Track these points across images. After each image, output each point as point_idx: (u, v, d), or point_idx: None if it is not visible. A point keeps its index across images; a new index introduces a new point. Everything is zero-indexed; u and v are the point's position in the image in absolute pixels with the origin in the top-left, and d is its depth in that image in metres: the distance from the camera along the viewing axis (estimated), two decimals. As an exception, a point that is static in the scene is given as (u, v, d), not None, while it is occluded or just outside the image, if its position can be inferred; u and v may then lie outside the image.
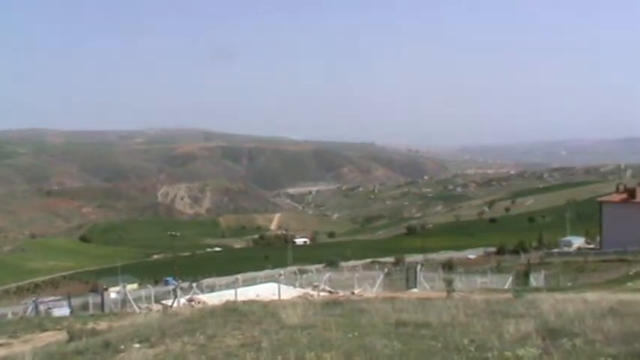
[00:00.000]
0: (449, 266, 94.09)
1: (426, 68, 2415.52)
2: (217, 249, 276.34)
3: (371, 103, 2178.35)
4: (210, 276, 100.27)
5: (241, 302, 20.27)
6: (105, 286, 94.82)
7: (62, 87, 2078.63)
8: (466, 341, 10.33)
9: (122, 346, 13.18)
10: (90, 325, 19.71)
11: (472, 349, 9.74)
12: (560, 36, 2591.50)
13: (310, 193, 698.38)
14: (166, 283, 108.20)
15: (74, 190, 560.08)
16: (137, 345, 13.22)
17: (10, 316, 60.46)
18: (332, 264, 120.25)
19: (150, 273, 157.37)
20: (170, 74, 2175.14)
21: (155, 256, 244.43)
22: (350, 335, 11.56)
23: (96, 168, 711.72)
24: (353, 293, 38.04)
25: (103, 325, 21.03)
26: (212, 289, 57.23)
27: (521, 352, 9.06)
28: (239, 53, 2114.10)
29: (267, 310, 16.17)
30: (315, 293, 38.70)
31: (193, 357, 10.91)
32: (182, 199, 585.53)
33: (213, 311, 17.41)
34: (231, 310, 17.09)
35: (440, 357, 9.26)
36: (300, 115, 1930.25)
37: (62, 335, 19.11)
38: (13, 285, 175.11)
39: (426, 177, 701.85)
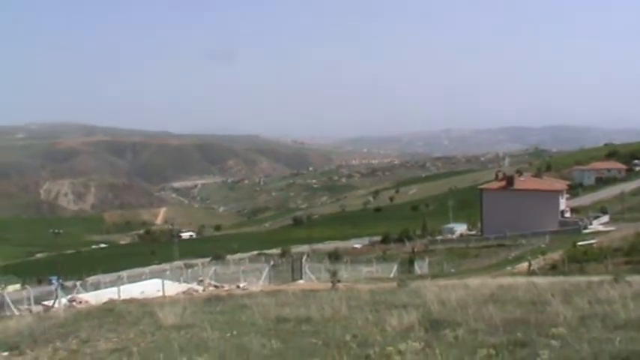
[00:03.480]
0: (335, 256, 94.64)
1: (310, 61, 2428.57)
2: (103, 245, 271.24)
3: (255, 95, 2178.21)
4: (95, 274, 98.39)
5: (120, 302, 19.59)
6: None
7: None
8: (348, 337, 10.07)
9: None
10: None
11: (354, 345, 9.47)
12: (436, 28, 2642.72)
13: (196, 186, 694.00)
14: (51, 282, 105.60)
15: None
16: (5, 353, 12.49)
17: None
18: (218, 257, 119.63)
19: (33, 273, 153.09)
20: (50, 68, 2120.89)
21: (39, 255, 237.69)
22: (228, 334, 11.18)
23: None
24: (238, 287, 37.76)
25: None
26: (97, 287, 55.98)
27: (403, 346, 8.83)
28: (123, 47, 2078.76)
29: (145, 309, 15.60)
30: (200, 288, 38.25)
31: None
32: (66, 195, 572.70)
33: (89, 313, 16.74)
34: (108, 310, 16.48)
35: (320, 356, 8.94)
36: (183, 108, 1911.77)
37: None
38: None
39: (311, 168, 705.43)
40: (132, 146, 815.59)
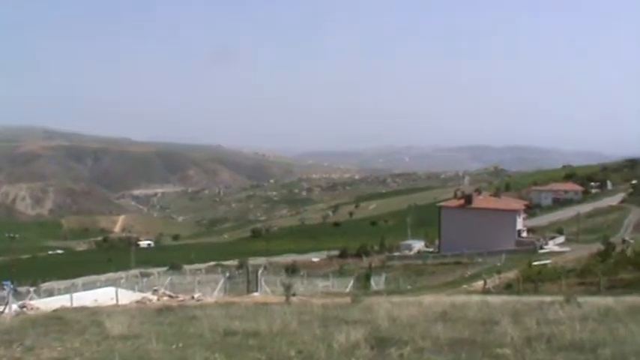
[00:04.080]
0: (292, 269, 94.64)
1: (271, 73, 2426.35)
2: (59, 251, 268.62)
3: (218, 105, 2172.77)
4: (50, 280, 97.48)
5: (69, 310, 19.38)
6: None
7: None
8: (293, 352, 10.02)
9: None
10: None
11: (297, 361, 9.44)
12: (399, 45, 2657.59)
13: (156, 195, 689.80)
14: (4, 287, 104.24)
15: None
16: None
17: None
18: (175, 267, 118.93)
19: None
20: (10, 69, 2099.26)
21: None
22: (174, 346, 11.07)
23: None
24: (193, 297, 37.62)
25: None
26: (51, 293, 55.61)
27: (347, 364, 8.81)
28: (80, 53, 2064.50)
29: (94, 318, 15.44)
30: (154, 298, 38.11)
31: None
32: (23, 199, 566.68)
33: (36, 320, 16.55)
34: (55, 318, 16.30)
35: (261, 371, 8.89)
36: (144, 116, 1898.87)
37: None
38: None
39: (271, 180, 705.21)
40: (92, 152, 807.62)
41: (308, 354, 9.89)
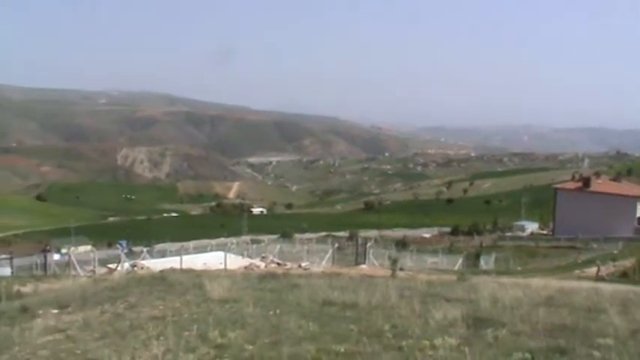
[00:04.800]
0: (402, 244, 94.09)
1: (395, 48, 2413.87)
2: (174, 214, 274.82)
3: (336, 79, 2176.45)
4: (163, 241, 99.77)
5: (176, 271, 19.72)
6: (48, 248, 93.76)
7: (24, 42, 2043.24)
8: (387, 326, 9.90)
9: (40, 312, 12.79)
10: (16, 288, 19.05)
11: (390, 335, 9.30)
12: (533, 24, 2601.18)
13: (271, 163, 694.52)
14: (120, 246, 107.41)
15: (33, 148, 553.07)
16: (55, 311, 12.85)
17: (-48, 272, 59.58)
18: (286, 236, 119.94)
19: (104, 235, 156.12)
20: (134, 36, 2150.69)
21: (111, 219, 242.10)
22: (270, 313, 11.13)
23: (56, 127, 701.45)
24: (300, 266, 37.77)
25: (29, 287, 20.45)
26: (163, 254, 56.68)
27: (439, 341, 8.65)
28: (204, 20, 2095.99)
29: (197, 281, 15.66)
30: (262, 264, 38.40)
31: (102, 327, 10.47)
32: (142, 162, 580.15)
33: (142, 279, 16.93)
34: (160, 278, 16.61)
35: (352, 342, 8.80)
36: (263, 85, 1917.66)
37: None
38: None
39: (387, 154, 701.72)
40: (210, 119, 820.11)
41: (402, 329, 9.76)
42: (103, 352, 8.57)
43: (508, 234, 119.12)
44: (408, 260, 50.98)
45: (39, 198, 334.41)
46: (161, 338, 9.11)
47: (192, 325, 9.76)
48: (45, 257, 49.04)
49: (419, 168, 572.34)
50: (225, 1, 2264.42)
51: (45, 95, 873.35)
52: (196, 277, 17.18)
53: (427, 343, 8.61)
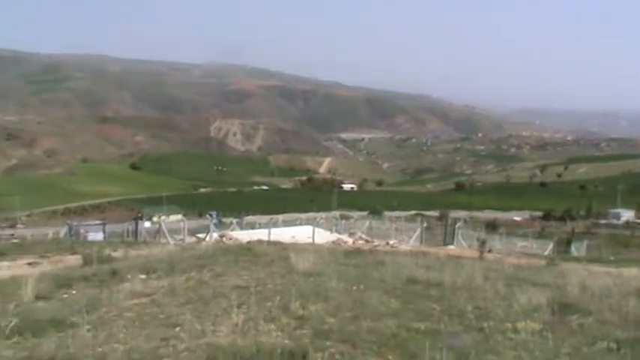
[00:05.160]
0: (492, 226, 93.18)
1: (489, 27, 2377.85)
2: (264, 187, 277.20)
3: (429, 55, 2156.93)
4: (253, 214, 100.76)
5: (262, 242, 19.87)
6: (140, 215, 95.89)
7: (122, 14, 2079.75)
8: (470, 307, 9.81)
9: (128, 276, 13.33)
10: (107, 252, 19.54)
11: (472, 316, 9.21)
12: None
13: (363, 139, 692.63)
14: (210, 216, 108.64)
15: (128, 118, 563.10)
16: (143, 276, 13.32)
17: (50, 236, 61.50)
18: (375, 212, 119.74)
19: (195, 206, 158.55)
20: (229, 10, 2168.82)
21: (202, 190, 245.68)
22: (353, 287, 11.14)
23: (151, 98, 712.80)
24: (388, 244, 37.64)
25: (119, 253, 20.93)
26: (252, 226, 57.32)
27: (521, 325, 8.52)
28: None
29: (283, 253, 15.78)
30: (350, 240, 38.43)
31: (186, 293, 10.78)
32: (234, 135, 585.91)
33: (228, 249, 17.13)
34: (247, 249, 16.79)
35: (434, 321, 8.75)
36: (355, 60, 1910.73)
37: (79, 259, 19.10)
38: (61, 207, 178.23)
39: (480, 134, 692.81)
40: (302, 94, 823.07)
41: (485, 311, 9.66)
42: (185, 317, 8.83)
43: (602, 221, 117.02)
44: (497, 243, 50.39)
45: (133, 167, 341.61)
46: (243, 307, 9.26)
47: (275, 296, 9.88)
48: (136, 224, 50.18)
49: (512, 150, 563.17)
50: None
51: (141, 67, 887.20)
52: (282, 249, 17.33)
53: (509, 326, 8.51)
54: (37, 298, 11.69)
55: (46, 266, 22.55)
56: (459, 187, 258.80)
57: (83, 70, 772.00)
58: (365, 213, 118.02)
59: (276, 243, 20.68)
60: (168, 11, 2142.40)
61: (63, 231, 60.70)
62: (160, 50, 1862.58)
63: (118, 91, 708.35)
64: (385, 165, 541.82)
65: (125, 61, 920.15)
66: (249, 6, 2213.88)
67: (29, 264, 24.35)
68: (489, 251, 30.25)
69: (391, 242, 39.47)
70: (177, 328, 8.36)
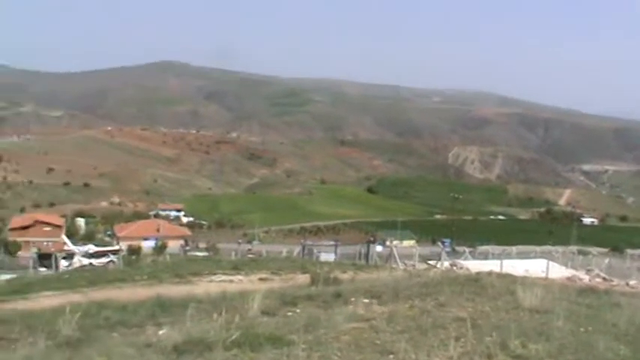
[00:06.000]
0: None
1: None
2: (501, 217, 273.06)
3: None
4: (487, 244, 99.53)
5: (491, 274, 19.41)
6: (373, 239, 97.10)
7: (357, 38, 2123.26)
8: None
9: (352, 299, 13.64)
10: (335, 274, 19.90)
11: None
12: None
13: (606, 172, 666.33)
14: (442, 244, 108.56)
15: (367, 141, 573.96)
16: (366, 300, 13.58)
17: (284, 253, 63.72)
18: (617, 250, 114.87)
19: (429, 232, 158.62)
20: (470, 35, 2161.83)
21: (437, 216, 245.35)
22: (581, 329, 10.53)
23: (389, 122, 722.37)
24: (627, 284, 35.90)
25: (347, 274, 21.24)
26: (485, 256, 56.72)
27: None
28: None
29: (511, 287, 15.29)
30: (586, 278, 37.00)
31: (406, 321, 10.73)
32: (472, 162, 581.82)
33: (455, 279, 16.89)
34: (473, 280, 16.46)
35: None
36: (598, 88, 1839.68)
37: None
38: (297, 225, 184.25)
39: None
40: (543, 122, 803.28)
41: None
42: (401, 345, 8.70)
43: None
44: None
45: (369, 190, 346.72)
46: (461, 340, 9.05)
47: (495, 331, 9.55)
48: (368, 247, 50.93)
49: None
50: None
51: (379, 91, 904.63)
52: (511, 282, 16.81)
53: None
54: (263, 313, 12.25)
55: (276, 283, 23.35)
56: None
57: (322, 94, 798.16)
58: (605, 250, 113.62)
59: (506, 275, 20.16)
60: (406, 37, 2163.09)
61: (296, 250, 62.64)
62: (399, 75, 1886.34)
63: (358, 115, 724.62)
64: (630, 199, 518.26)
65: (363, 85, 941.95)
66: (491, 32, 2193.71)
67: (261, 279, 25.36)
68: None
69: (631, 283, 37.59)
70: (392, 356, 8.35)
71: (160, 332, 11.75)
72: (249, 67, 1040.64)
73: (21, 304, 21.90)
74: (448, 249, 68.19)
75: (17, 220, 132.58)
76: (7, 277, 47.12)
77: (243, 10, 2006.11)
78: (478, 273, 19.77)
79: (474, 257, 52.81)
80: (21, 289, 29.13)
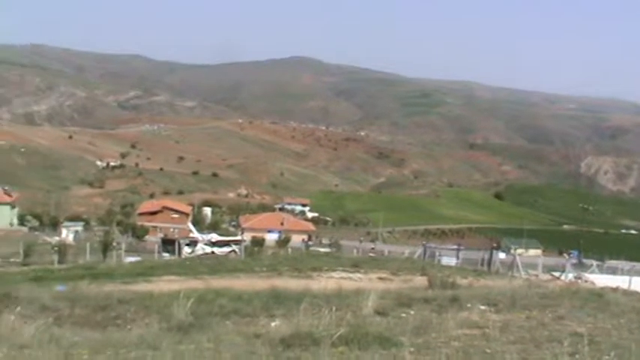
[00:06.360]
0: None
1: None
2: (633, 232, 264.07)
3: None
4: (617, 258, 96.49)
5: (614, 290, 18.63)
6: (497, 245, 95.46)
7: (490, 43, 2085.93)
8: None
9: (468, 305, 13.47)
10: (453, 278, 19.59)
11: None
12: None
13: None
14: (569, 255, 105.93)
15: (497, 146, 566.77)
16: (482, 307, 13.35)
17: (405, 254, 63.44)
18: None
19: (556, 242, 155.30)
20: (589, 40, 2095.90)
21: (565, 227, 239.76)
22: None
23: (520, 128, 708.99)
24: None
25: (467, 280, 20.90)
26: (613, 271, 54.95)
27: None
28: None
29: (636, 304, 14.64)
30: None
31: (520, 332, 10.50)
32: (606, 173, 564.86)
33: (577, 292, 16.31)
34: (596, 295, 15.83)
35: None
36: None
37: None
38: (422, 227, 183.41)
39: None
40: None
41: None
42: (512, 356, 8.39)
43: None
44: None
45: (497, 196, 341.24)
46: (576, 356, 8.66)
47: (613, 350, 9.07)
48: (491, 254, 50.06)
49: None
50: None
51: (510, 95, 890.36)
52: (638, 300, 16.12)
53: None
54: (376, 312, 12.20)
55: (394, 283, 23.16)
56: None
57: (454, 96, 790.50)
58: None
59: (634, 293, 19.37)
60: (537, 38, 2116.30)
61: (418, 251, 62.28)
62: (532, 80, 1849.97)
63: (489, 119, 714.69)
64: None
65: (494, 89, 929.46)
66: (623, 35, 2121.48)
67: (380, 278, 25.24)
68: None
69: None
70: (499, 367, 8.04)
71: (273, 324, 11.82)
72: (381, 66, 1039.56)
73: (142, 287, 22.48)
74: (575, 261, 66.41)
75: (146, 206, 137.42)
76: (133, 259, 48.70)
77: (378, 11, 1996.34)
78: (603, 288, 19.07)
79: (602, 271, 51.09)
80: (144, 272, 30.07)
